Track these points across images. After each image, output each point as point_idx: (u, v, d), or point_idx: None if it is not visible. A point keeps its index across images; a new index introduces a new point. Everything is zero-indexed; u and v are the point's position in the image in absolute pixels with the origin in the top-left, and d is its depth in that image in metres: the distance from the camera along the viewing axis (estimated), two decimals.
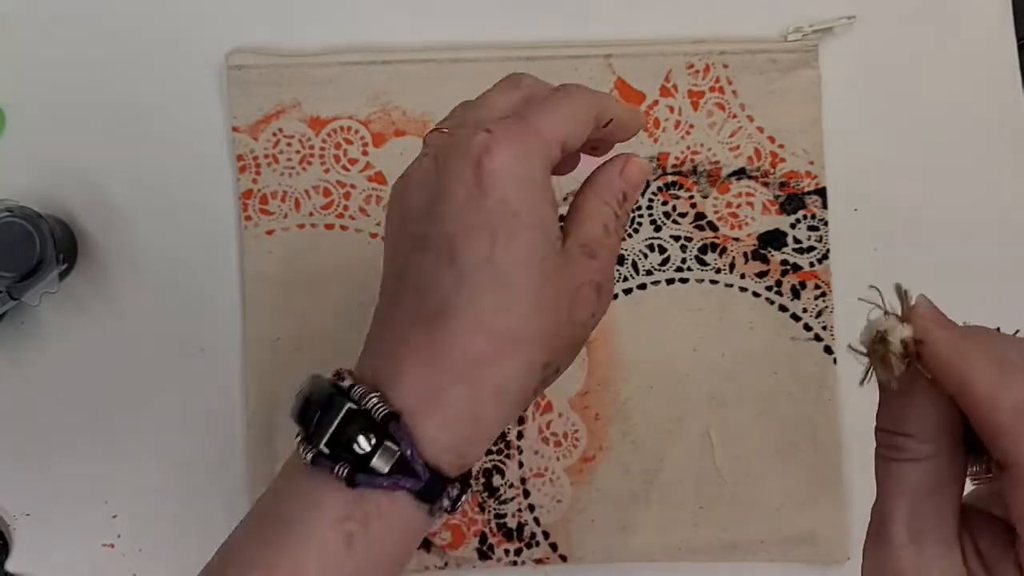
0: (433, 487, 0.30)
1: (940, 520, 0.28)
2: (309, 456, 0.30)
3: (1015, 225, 0.49)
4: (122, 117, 0.49)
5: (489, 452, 0.47)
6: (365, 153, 0.48)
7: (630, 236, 0.48)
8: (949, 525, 0.28)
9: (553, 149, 0.33)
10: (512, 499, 0.47)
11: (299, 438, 0.31)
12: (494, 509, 0.47)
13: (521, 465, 0.47)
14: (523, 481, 0.47)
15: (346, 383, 0.31)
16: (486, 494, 0.47)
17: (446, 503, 0.31)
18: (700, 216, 0.47)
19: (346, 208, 0.48)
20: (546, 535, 0.47)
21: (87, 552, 0.48)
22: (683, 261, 0.47)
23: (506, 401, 0.32)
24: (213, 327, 0.48)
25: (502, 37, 0.49)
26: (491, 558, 0.47)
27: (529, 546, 0.47)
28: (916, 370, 0.27)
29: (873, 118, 0.49)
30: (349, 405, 0.30)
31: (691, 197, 0.47)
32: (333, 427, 0.30)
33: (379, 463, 0.30)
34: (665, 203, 0.47)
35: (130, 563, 0.48)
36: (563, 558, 0.47)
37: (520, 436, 0.47)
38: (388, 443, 0.30)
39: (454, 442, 0.31)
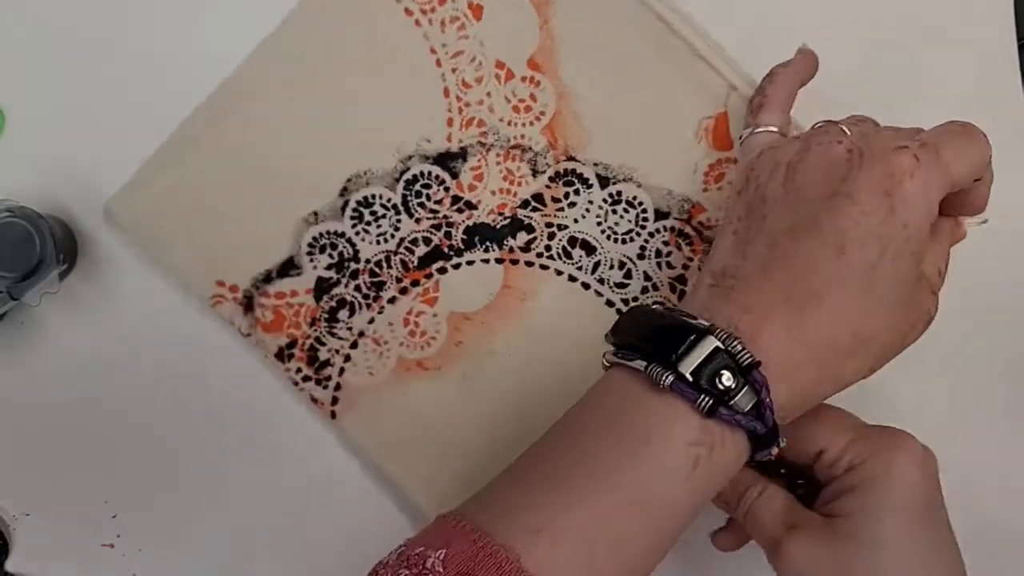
0: (769, 435, 0.34)
1: (798, 509, 0.38)
2: (668, 380, 0.33)
3: (1015, 225, 0.47)
4: (122, 116, 0.48)
5: (363, 288, 0.46)
6: None
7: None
8: (802, 509, 0.38)
9: (950, 188, 0.36)
10: (343, 338, 0.46)
11: (646, 361, 0.34)
12: (323, 331, 0.46)
13: (371, 321, 0.46)
14: (362, 334, 0.46)
15: (705, 324, 0.34)
16: (327, 316, 0.46)
17: (765, 453, 0.35)
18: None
19: None
20: (337, 387, 0.46)
21: (87, 552, 0.47)
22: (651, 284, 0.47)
23: (835, 388, 0.36)
24: (215, 327, 0.48)
25: None
26: (283, 364, 0.46)
27: (319, 383, 0.46)
28: None
29: (872, 118, 0.48)
30: (716, 344, 0.33)
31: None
32: (700, 359, 0.33)
33: (741, 401, 0.33)
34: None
35: (130, 563, 0.47)
36: (333, 415, 0.46)
37: (393, 301, 0.46)
38: (749, 386, 0.33)
39: (788, 407, 0.35)
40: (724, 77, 0.46)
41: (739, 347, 0.33)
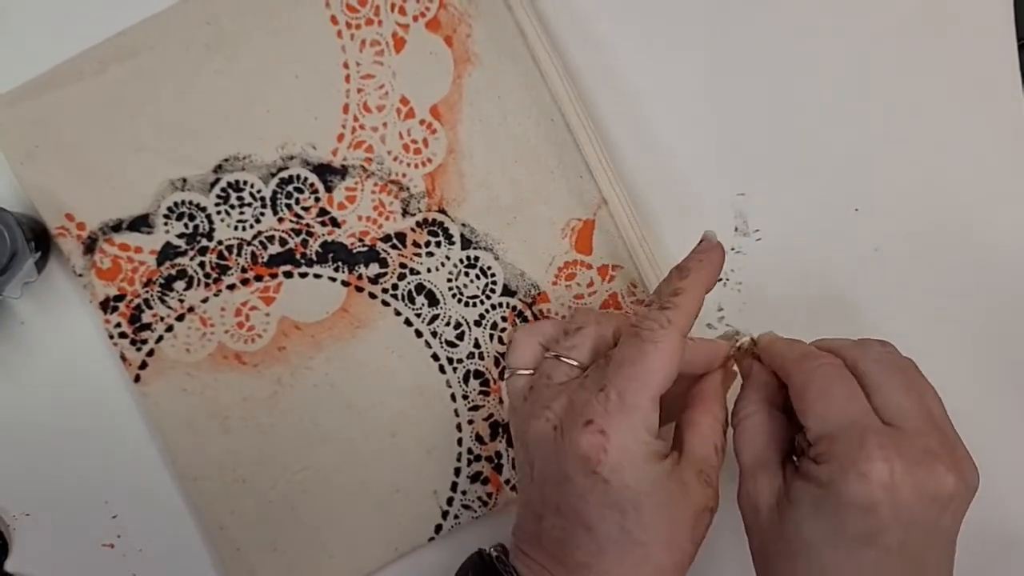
0: None
1: (769, 457, 0.39)
2: None
3: (1015, 224, 0.49)
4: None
5: (207, 266, 0.47)
6: None
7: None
8: (774, 461, 0.39)
9: (653, 412, 0.37)
10: (171, 308, 0.47)
11: None
12: (154, 295, 0.47)
13: (205, 300, 0.47)
14: (191, 310, 0.47)
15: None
16: (164, 282, 0.47)
17: None
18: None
19: None
20: (150, 353, 0.47)
21: (87, 552, 0.48)
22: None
23: None
24: None
25: None
26: (105, 314, 0.46)
27: (134, 343, 0.47)
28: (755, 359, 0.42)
29: (873, 117, 0.49)
30: None
31: None
32: None
33: None
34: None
35: (130, 563, 0.48)
36: (137, 378, 0.47)
37: (232, 288, 0.47)
38: None
39: None
40: (599, 189, 0.47)
41: None
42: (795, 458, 0.40)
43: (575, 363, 0.41)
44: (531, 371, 0.43)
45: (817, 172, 0.49)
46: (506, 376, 0.44)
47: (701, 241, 0.41)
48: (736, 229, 0.49)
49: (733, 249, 0.49)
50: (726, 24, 0.48)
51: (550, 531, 0.38)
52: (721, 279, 0.48)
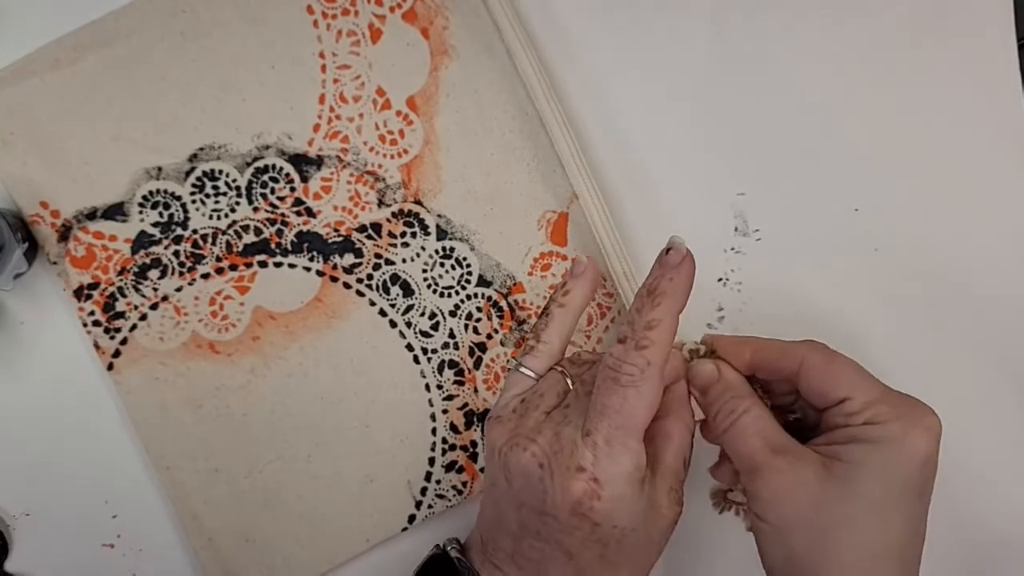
0: None
1: (786, 441, 0.38)
2: None
3: (1015, 224, 0.49)
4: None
5: (181, 255, 0.47)
6: None
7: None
8: (793, 441, 0.39)
9: (640, 449, 0.37)
10: (145, 296, 0.47)
11: None
12: (128, 284, 0.47)
13: (179, 289, 0.47)
14: (165, 298, 0.47)
15: None
16: (138, 270, 0.47)
17: None
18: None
19: None
20: (124, 342, 0.47)
21: (87, 552, 0.48)
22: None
23: None
24: None
25: None
26: (79, 302, 0.46)
27: (108, 331, 0.47)
28: (716, 359, 0.41)
29: (873, 117, 0.49)
30: None
31: None
32: None
33: None
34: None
35: (130, 563, 0.48)
36: (110, 366, 0.47)
37: (207, 277, 0.47)
38: None
39: None
40: (570, 184, 0.47)
41: None
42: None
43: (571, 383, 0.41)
44: (535, 377, 0.42)
45: (817, 172, 0.49)
46: (512, 366, 0.43)
47: (668, 250, 0.37)
48: (736, 229, 0.49)
49: (733, 249, 0.49)
50: (723, 25, 0.49)
51: (527, 552, 0.39)
52: (721, 279, 0.49)
